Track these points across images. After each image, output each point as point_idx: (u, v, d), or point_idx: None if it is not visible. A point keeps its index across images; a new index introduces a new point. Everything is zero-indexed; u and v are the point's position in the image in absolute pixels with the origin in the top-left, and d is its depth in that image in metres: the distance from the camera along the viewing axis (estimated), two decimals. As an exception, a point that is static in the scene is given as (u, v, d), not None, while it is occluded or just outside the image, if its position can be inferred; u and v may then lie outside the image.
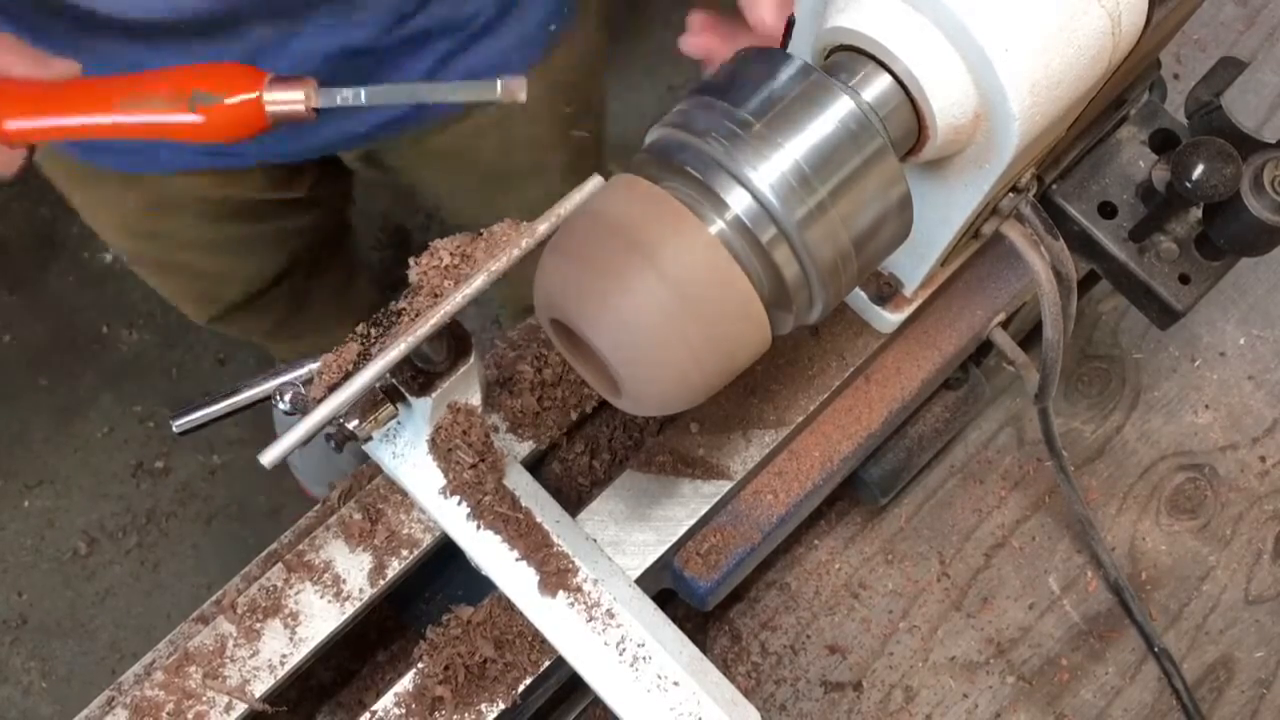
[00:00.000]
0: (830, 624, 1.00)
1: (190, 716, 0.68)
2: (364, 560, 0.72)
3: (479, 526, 0.68)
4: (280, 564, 0.72)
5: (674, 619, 0.91)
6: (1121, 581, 0.99)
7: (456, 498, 0.68)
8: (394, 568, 0.71)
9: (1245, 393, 1.08)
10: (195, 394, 1.23)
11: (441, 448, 0.67)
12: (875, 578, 1.02)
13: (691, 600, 0.79)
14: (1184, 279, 0.77)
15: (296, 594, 0.71)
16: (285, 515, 1.94)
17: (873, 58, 0.55)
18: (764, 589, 1.00)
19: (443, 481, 0.68)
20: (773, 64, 0.53)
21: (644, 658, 0.66)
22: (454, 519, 0.69)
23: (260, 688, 0.68)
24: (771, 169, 0.50)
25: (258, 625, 0.70)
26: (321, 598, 0.71)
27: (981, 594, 1.01)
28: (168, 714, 0.68)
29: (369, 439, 0.66)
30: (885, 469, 0.92)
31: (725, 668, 0.96)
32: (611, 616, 0.67)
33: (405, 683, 0.69)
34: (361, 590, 0.71)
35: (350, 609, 0.70)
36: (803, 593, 1.01)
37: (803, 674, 0.98)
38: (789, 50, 0.65)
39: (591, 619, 0.67)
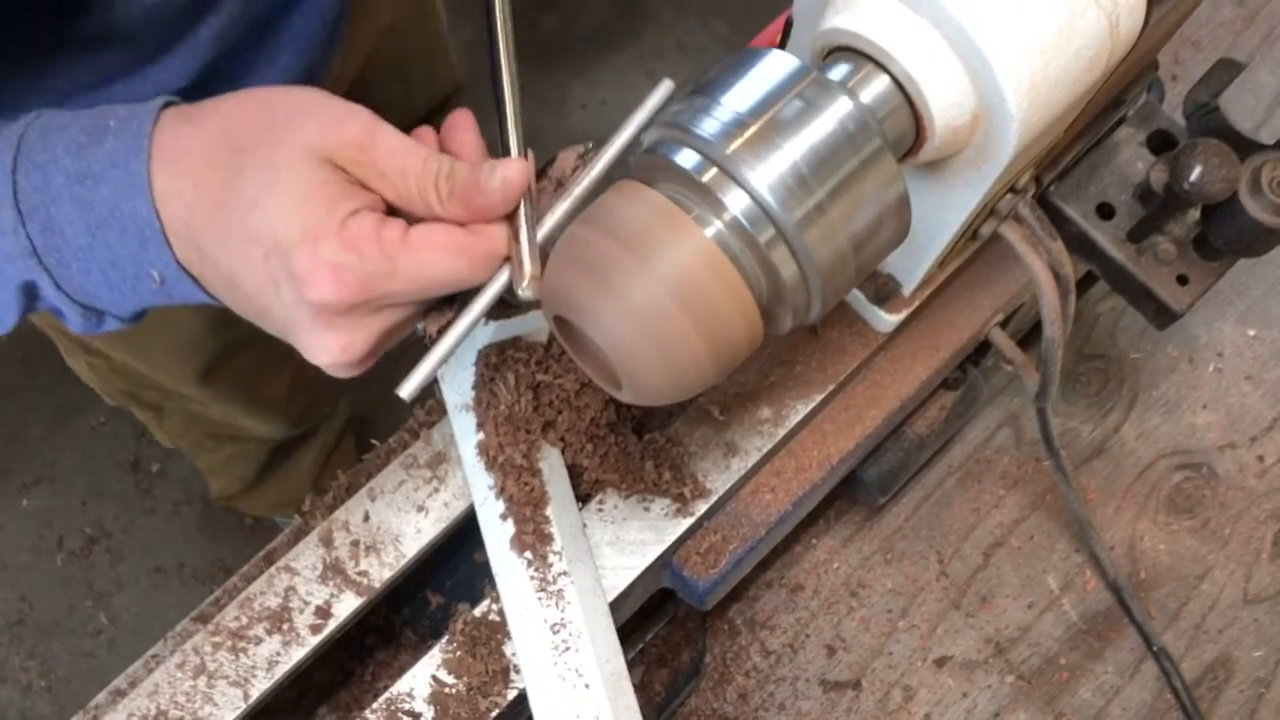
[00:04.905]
0: (829, 623, 1.00)
1: (191, 715, 0.68)
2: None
3: (490, 462, 0.70)
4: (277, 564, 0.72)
5: (674, 618, 0.91)
6: (1120, 581, 0.99)
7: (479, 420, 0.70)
8: (389, 568, 0.72)
9: (1243, 392, 1.08)
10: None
11: (492, 367, 0.70)
12: (874, 577, 1.02)
13: (690, 599, 0.79)
14: (1182, 280, 0.77)
15: (293, 593, 0.71)
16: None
17: (871, 59, 0.55)
18: (763, 588, 1.00)
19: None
20: (771, 64, 0.53)
21: (573, 649, 0.67)
22: (471, 439, 0.71)
23: (259, 686, 0.68)
24: (769, 170, 0.50)
25: (256, 625, 0.70)
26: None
27: (980, 593, 1.01)
28: (166, 713, 0.68)
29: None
30: (884, 468, 0.92)
31: (724, 667, 0.96)
32: (563, 599, 0.68)
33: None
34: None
35: (344, 611, 0.71)
36: (802, 592, 1.01)
37: (802, 673, 0.98)
38: (787, 51, 0.65)
39: (543, 591, 0.68)
